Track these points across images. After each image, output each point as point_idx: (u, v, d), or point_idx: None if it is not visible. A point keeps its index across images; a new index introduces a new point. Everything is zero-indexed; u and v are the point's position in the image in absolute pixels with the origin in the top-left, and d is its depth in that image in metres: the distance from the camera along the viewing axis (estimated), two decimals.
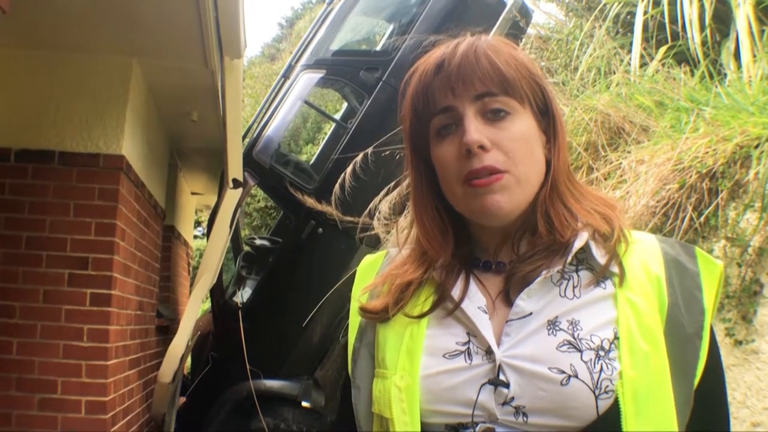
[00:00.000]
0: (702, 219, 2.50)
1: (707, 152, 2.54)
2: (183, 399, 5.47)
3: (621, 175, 2.89)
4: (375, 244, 4.28)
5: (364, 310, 1.08)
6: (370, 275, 1.16)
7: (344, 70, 5.46)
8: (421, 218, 1.07)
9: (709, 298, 0.97)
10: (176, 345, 4.18)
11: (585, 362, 0.91)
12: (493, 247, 1.05)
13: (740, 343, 2.29)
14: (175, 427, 4.95)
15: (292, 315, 4.91)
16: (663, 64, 3.81)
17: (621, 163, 2.93)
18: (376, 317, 1.07)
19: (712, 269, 0.99)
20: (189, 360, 6.19)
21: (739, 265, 2.36)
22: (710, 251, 2.46)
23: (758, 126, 2.49)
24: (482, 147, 0.96)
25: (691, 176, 2.54)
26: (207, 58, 3.62)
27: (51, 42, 3.45)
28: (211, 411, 5.15)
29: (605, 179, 3.00)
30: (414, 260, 1.09)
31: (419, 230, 1.08)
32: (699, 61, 3.64)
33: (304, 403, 5.02)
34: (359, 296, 1.13)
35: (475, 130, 0.96)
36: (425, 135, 1.04)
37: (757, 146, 2.42)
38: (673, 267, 0.98)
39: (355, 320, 1.12)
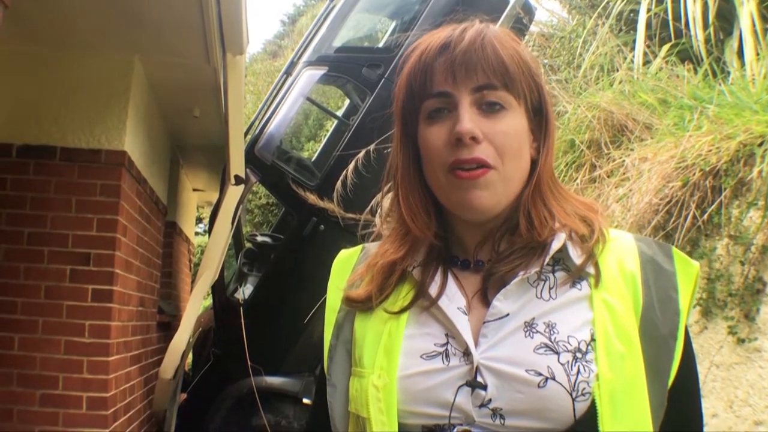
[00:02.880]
0: (705, 217, 2.49)
1: (710, 150, 2.53)
2: (184, 395, 5.47)
3: (624, 173, 2.89)
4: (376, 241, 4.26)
5: (348, 299, 1.07)
6: (345, 270, 1.15)
7: (346, 66, 5.44)
8: (407, 196, 1.04)
9: (685, 299, 0.97)
10: (177, 341, 4.18)
11: (562, 364, 0.90)
12: (473, 244, 1.03)
13: (743, 341, 2.29)
14: (176, 423, 4.95)
15: (293, 312, 4.90)
16: (666, 62, 3.81)
17: (624, 160, 2.93)
18: (360, 306, 1.05)
19: (688, 270, 0.99)
20: (190, 356, 6.19)
21: (742, 263, 2.35)
22: (713, 249, 2.46)
23: (761, 124, 2.48)
24: (474, 138, 0.94)
25: (694, 174, 2.54)
26: (209, 55, 3.61)
27: (53, 38, 3.44)
28: (212, 407, 5.15)
29: (608, 177, 3.00)
30: (394, 240, 1.07)
31: (404, 208, 1.05)
32: (702, 59, 3.64)
33: (306, 400, 5.02)
34: (343, 287, 1.11)
35: (469, 119, 0.95)
36: (416, 114, 1.02)
37: (760, 144, 2.42)
38: (649, 266, 0.98)
39: (331, 316, 1.11)
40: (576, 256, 0.98)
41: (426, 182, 1.03)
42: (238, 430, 5.09)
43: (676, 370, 0.93)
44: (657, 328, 0.93)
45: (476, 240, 1.03)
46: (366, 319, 1.04)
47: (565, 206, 1.02)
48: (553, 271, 0.99)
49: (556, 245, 0.97)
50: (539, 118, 1.03)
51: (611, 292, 0.95)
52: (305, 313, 4.77)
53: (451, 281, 1.02)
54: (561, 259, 0.99)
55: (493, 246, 1.02)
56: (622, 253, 0.99)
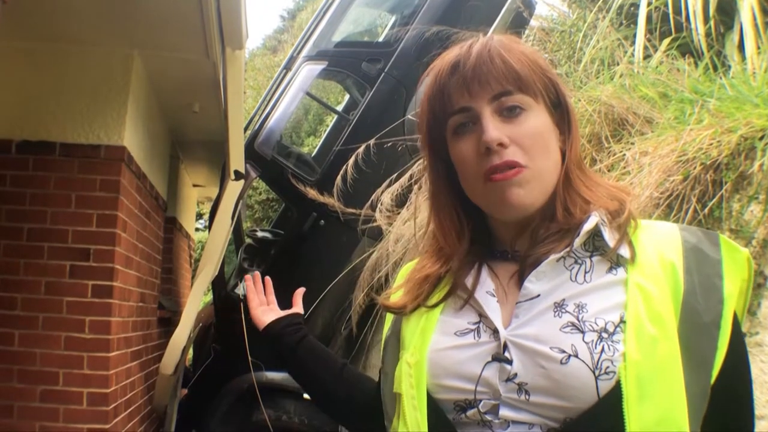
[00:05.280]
0: (706, 211, 2.49)
1: (711, 144, 2.53)
2: (185, 391, 5.48)
3: (624, 167, 2.88)
4: (377, 236, 4.27)
5: (385, 306, 1.16)
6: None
7: (346, 61, 5.44)
8: (438, 216, 1.12)
9: (732, 287, 0.96)
10: (178, 337, 4.18)
11: (586, 343, 0.91)
12: (510, 238, 1.07)
13: (744, 335, 2.28)
14: (176, 419, 4.96)
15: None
16: (667, 56, 3.80)
17: (624, 154, 2.92)
18: (397, 312, 1.13)
19: (736, 257, 0.98)
20: (191, 352, 6.20)
21: None
22: None
23: (763, 117, 2.47)
24: (501, 144, 0.98)
25: (695, 168, 2.53)
26: (208, 50, 3.60)
27: (52, 34, 3.43)
28: (213, 403, 5.16)
29: (609, 171, 2.99)
30: (431, 256, 1.13)
31: (436, 227, 1.12)
32: (703, 53, 3.63)
33: (306, 396, 5.02)
34: (382, 297, 1.20)
35: (494, 128, 0.99)
36: (442, 134, 1.07)
37: (761, 138, 2.41)
38: (692, 255, 0.97)
39: (390, 314, 1.20)
40: (611, 239, 0.99)
41: (459, 198, 1.10)
42: (238, 426, 5.10)
43: (721, 361, 0.92)
44: (699, 315, 0.93)
45: (513, 233, 1.07)
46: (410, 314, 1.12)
47: (596, 190, 1.04)
48: (591, 257, 1.00)
49: (587, 227, 0.99)
50: (560, 111, 1.07)
51: (647, 277, 0.95)
52: (306, 308, 4.76)
53: (484, 272, 1.07)
54: (600, 246, 1.00)
55: (531, 236, 1.05)
56: (662, 243, 0.99)
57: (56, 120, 3.49)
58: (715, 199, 2.47)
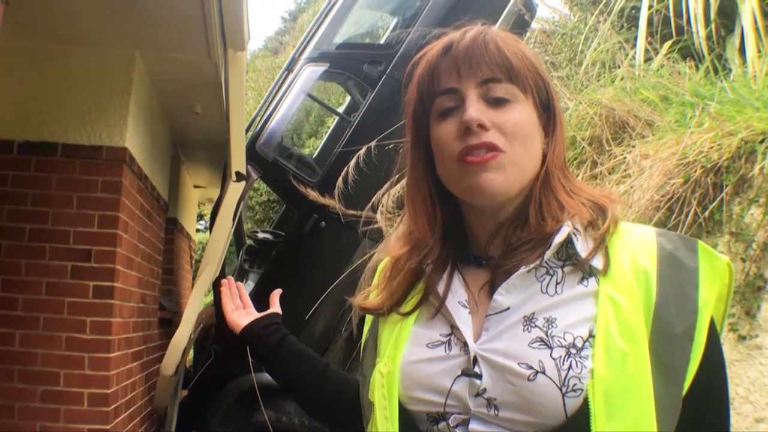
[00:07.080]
0: (706, 214, 2.49)
1: (712, 147, 2.53)
2: (185, 392, 5.48)
3: (625, 170, 2.89)
4: (378, 237, 4.28)
5: (362, 308, 1.14)
6: None
7: (348, 63, 5.44)
8: (412, 199, 1.09)
9: (708, 295, 0.92)
10: (179, 338, 4.18)
11: (554, 359, 0.90)
12: (485, 239, 1.05)
13: (744, 338, 2.29)
14: (176, 419, 4.96)
15: (294, 309, 4.89)
16: (668, 59, 3.80)
17: (625, 157, 2.93)
18: (375, 312, 1.12)
19: (714, 265, 0.94)
20: (191, 353, 6.19)
21: (744, 261, 2.35)
22: (714, 246, 2.46)
23: (763, 121, 2.48)
24: (482, 125, 0.96)
25: (695, 171, 2.53)
26: (210, 51, 3.61)
27: (54, 34, 3.44)
28: (213, 404, 5.15)
29: (609, 174, 2.99)
30: (401, 238, 1.12)
31: (408, 210, 1.10)
32: (704, 56, 3.63)
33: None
34: (358, 299, 1.18)
35: (476, 109, 0.97)
36: (427, 116, 1.05)
37: (762, 141, 2.41)
38: (666, 262, 0.94)
39: (369, 315, 1.18)
40: (584, 249, 0.97)
41: (437, 188, 1.07)
42: (239, 427, 5.10)
43: (694, 372, 0.89)
44: (670, 326, 0.89)
45: (488, 234, 1.04)
46: (387, 317, 1.11)
47: (577, 196, 1.01)
48: (563, 267, 0.98)
49: (558, 238, 0.96)
50: (548, 114, 1.04)
51: (619, 289, 0.92)
52: (306, 309, 4.77)
53: (455, 279, 1.04)
54: (573, 255, 0.98)
55: (504, 240, 1.02)
56: (636, 249, 0.96)
57: (58, 121, 3.49)
58: (715, 202, 2.48)
